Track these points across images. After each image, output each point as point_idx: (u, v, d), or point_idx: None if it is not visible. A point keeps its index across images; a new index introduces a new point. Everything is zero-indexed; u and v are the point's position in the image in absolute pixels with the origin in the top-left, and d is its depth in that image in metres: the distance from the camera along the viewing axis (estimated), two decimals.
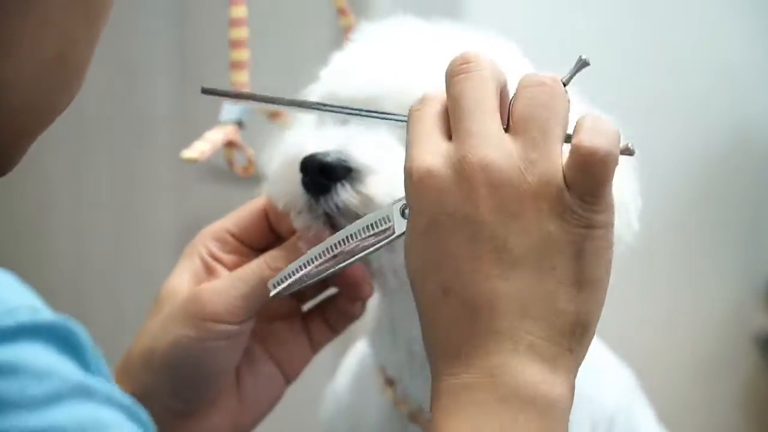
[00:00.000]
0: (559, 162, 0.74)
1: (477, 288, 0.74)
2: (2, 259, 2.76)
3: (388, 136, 0.98)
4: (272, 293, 0.91)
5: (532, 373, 0.73)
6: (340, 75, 1.03)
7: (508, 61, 1.02)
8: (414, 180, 0.76)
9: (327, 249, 0.89)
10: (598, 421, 1.12)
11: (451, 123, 0.77)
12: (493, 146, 0.74)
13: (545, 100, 0.76)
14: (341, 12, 1.13)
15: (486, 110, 0.75)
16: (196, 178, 2.38)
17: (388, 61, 1.00)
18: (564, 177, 0.74)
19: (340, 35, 1.13)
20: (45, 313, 0.61)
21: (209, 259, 0.98)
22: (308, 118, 1.06)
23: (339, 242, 0.88)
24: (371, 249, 0.86)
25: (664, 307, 2.46)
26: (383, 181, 0.95)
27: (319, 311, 1.01)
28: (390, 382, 1.09)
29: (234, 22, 1.08)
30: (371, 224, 0.86)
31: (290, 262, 0.92)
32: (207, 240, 0.99)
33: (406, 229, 0.79)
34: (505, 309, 0.73)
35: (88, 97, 2.59)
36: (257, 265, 0.95)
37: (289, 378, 1.00)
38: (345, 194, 0.94)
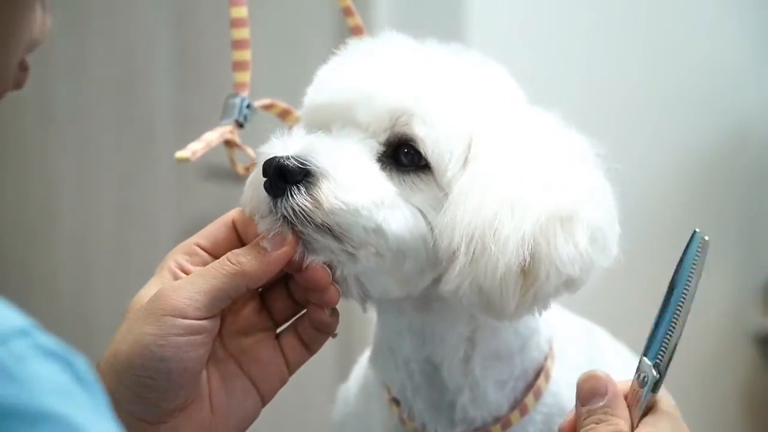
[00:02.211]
0: None
1: None
2: (7, 257, 2.76)
3: (357, 145, 0.98)
4: None
5: None
6: (319, 83, 1.04)
7: (493, 82, 1.03)
8: None
9: None
10: (545, 342, 1.10)
11: None
12: None
13: None
14: (347, 12, 1.14)
15: None
16: (197, 177, 2.39)
17: (365, 72, 1.01)
18: None
19: (341, 35, 1.13)
20: None
21: (178, 272, 0.98)
22: None
23: None
24: None
25: None
26: (335, 186, 0.94)
27: (292, 330, 1.01)
28: (395, 401, 1.10)
29: (235, 23, 1.09)
30: None
31: (253, 259, 0.94)
32: (176, 255, 0.99)
33: None
34: None
35: (89, 97, 2.60)
36: (219, 262, 0.95)
37: (263, 397, 1.00)
38: (299, 198, 0.94)
